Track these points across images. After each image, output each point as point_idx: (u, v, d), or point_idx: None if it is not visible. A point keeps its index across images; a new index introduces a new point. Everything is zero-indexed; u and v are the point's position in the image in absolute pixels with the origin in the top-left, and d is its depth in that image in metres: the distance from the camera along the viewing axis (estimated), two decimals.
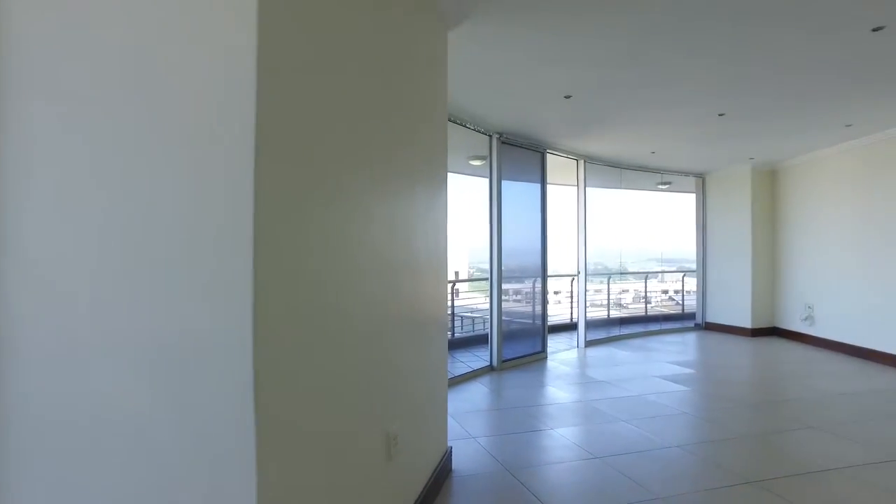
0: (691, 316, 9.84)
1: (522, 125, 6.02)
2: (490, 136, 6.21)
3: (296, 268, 1.39)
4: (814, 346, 7.47)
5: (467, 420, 4.33)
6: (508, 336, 6.49)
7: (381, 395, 2.01)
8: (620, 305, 11.12)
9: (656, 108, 5.37)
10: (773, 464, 3.41)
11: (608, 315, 9.94)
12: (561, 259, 9.05)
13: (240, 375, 1.17)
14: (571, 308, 9.90)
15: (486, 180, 6.30)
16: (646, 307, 10.61)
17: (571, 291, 9.86)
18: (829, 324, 7.33)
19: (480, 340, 7.08)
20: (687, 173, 9.22)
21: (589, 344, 7.75)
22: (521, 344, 6.75)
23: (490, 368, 6.20)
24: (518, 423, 4.26)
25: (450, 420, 4.20)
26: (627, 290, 11.67)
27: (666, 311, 10.81)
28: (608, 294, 9.91)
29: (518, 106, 5.34)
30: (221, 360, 1.19)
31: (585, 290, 7.73)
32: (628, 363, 6.58)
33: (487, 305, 6.34)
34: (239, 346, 1.17)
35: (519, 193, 6.82)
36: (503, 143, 6.31)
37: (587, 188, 7.80)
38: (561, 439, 3.87)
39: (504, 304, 6.47)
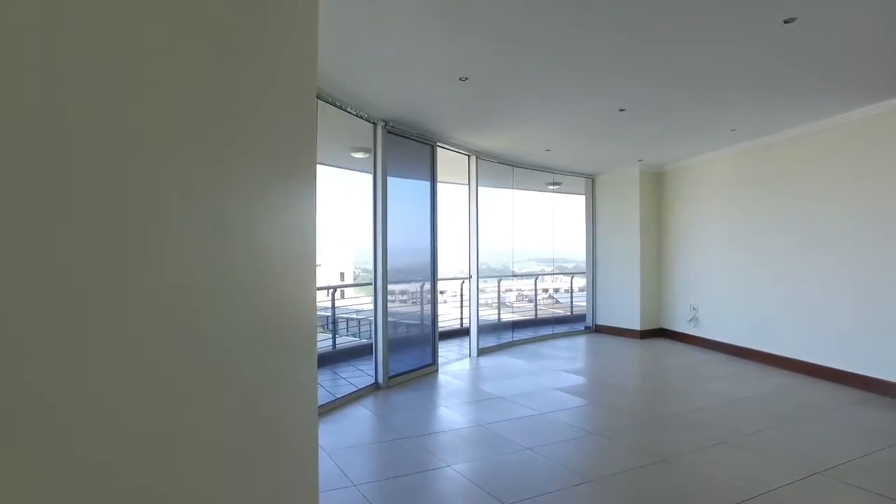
0: (581, 318, 9.74)
1: (412, 112, 5.35)
2: (375, 123, 5.47)
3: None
4: (699, 347, 7.53)
5: (347, 459, 3.55)
6: (396, 346, 5.78)
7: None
8: (510, 306, 10.85)
9: (557, 99, 4.94)
10: (705, 495, 2.99)
11: (499, 318, 9.60)
12: (452, 260, 8.56)
13: None
14: (462, 312, 9.41)
15: (371, 175, 5.56)
16: (536, 310, 10.41)
17: (462, 294, 9.38)
18: (712, 325, 7.42)
19: (366, 351, 6.29)
20: (578, 174, 9.07)
21: (482, 352, 7.25)
22: (411, 355, 6.06)
23: (375, 387, 5.45)
24: (409, 460, 3.55)
25: (325, 460, 3.40)
26: (519, 290, 11.45)
27: (557, 313, 10.68)
28: (499, 297, 9.56)
29: (408, 87, 4.65)
30: None
31: (478, 295, 7.22)
32: (524, 374, 6.13)
33: (373, 311, 5.58)
34: None
35: (407, 190, 6.15)
36: (390, 132, 5.60)
37: (479, 187, 7.30)
38: (460, 481, 3.22)
39: (392, 309, 5.76)
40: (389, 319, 5.68)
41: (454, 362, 6.82)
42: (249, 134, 1.32)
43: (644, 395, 5.29)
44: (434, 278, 6.32)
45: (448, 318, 10.98)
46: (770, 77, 4.39)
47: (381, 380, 5.46)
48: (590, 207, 9.34)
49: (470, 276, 7.26)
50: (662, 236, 8.49)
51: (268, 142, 1.51)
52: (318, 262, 1.93)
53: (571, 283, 10.74)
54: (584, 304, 10.30)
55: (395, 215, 5.74)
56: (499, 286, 9.60)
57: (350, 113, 5.04)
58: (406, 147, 5.95)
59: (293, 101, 1.63)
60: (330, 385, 5.54)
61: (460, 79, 4.40)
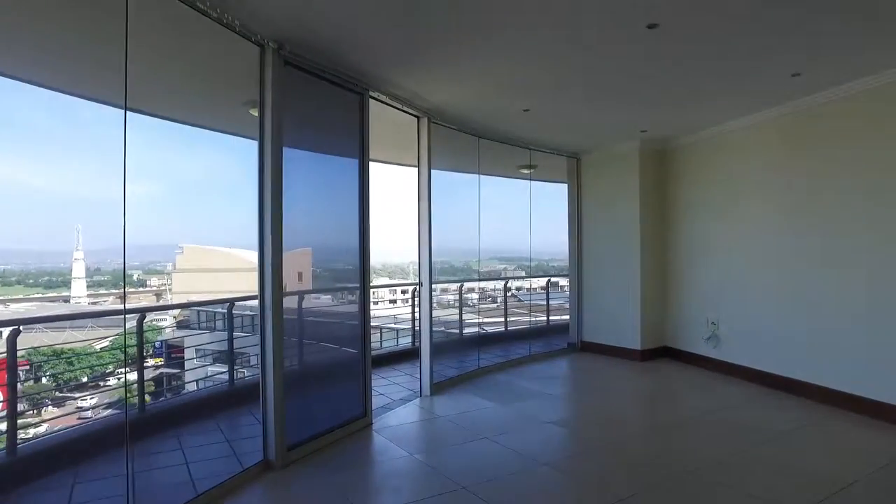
0: (562, 331, 7.88)
1: (326, 30, 3.33)
2: (263, 46, 3.42)
3: None
4: (719, 374, 5.73)
5: None
6: (300, 392, 3.75)
7: None
8: (472, 307, 8.90)
9: (549, 14, 3.00)
10: None
11: (460, 331, 7.67)
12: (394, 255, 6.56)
13: None
14: (413, 328, 7.41)
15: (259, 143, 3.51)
16: (506, 320, 8.50)
17: (413, 305, 7.38)
18: (739, 346, 5.64)
19: (249, 399, 4.20)
20: (560, 152, 7.18)
21: (437, 389, 5.26)
22: (326, 402, 4.04)
23: (265, 466, 3.42)
24: None
25: None
26: (483, 289, 9.53)
27: (536, 321, 8.81)
28: (461, 306, 7.61)
29: None
30: None
31: (431, 308, 5.23)
32: (495, 431, 4.16)
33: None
34: None
35: (320, 166, 4.14)
36: (289, 63, 3.56)
37: (432, 169, 5.31)
38: None
39: (295, 328, 3.74)
40: (294, 345, 3.66)
41: (398, 406, 4.81)
42: None
43: (681, 480, 3.39)
44: (364, 288, 4.30)
45: (398, 326, 9.02)
46: None
47: (273, 454, 3.41)
48: (574, 195, 7.47)
49: (420, 283, 5.27)
50: (669, 230, 6.67)
51: None
52: None
53: (547, 287, 8.86)
54: (560, 312, 8.52)
55: (301, 200, 3.75)
56: (461, 291, 7.65)
57: (211, 18, 2.98)
58: (319, 93, 3.93)
59: None
60: (193, 466, 3.48)
61: None
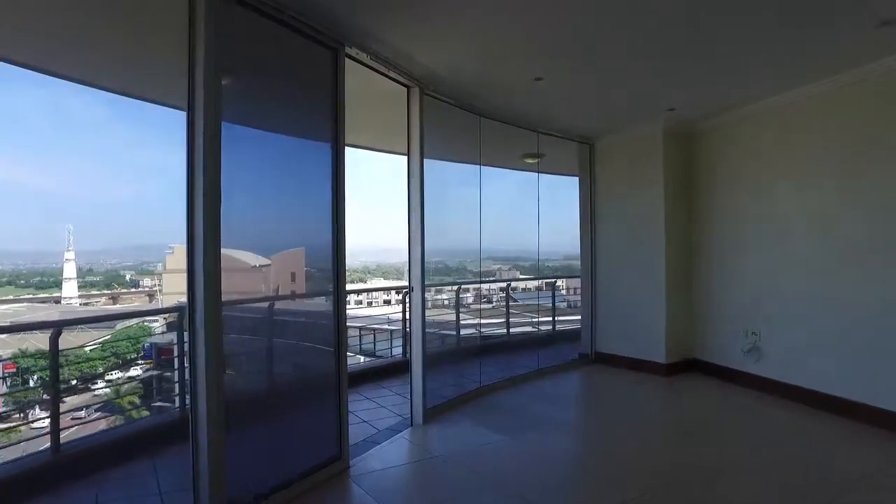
0: (570, 337, 7.01)
1: None
2: None
3: None
4: (762, 393, 4.86)
5: None
6: (250, 429, 2.86)
7: None
8: (467, 307, 8.02)
9: None
10: None
11: (457, 340, 6.82)
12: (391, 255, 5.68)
13: None
14: (405, 336, 6.51)
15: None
16: (508, 326, 7.63)
17: (404, 312, 6.48)
18: (786, 360, 4.78)
19: (177, 437, 3.28)
20: (571, 137, 6.30)
21: (432, 415, 4.36)
22: (287, 441, 3.14)
23: None
24: None
25: None
26: (482, 290, 8.64)
27: (542, 324, 7.95)
28: (457, 312, 6.74)
29: None
30: None
31: (424, 319, 4.34)
32: (510, 482, 3.27)
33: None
34: None
35: (277, 148, 3.24)
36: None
37: (426, 158, 4.42)
38: None
39: (246, 351, 2.85)
40: (245, 367, 2.78)
41: (384, 440, 3.90)
42: None
43: None
44: (338, 295, 3.39)
45: (391, 327, 8.11)
46: None
47: None
48: (586, 187, 6.59)
49: (411, 289, 4.37)
50: (699, 226, 5.80)
51: None
52: None
53: (553, 291, 7.97)
54: (564, 314, 7.71)
55: (249, 193, 2.88)
56: (458, 294, 6.78)
57: None
58: (276, 46, 3.03)
59: None
60: None
61: None
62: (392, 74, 3.95)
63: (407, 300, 5.00)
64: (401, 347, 6.98)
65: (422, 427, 4.18)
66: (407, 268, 4.60)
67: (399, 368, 5.89)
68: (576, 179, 6.72)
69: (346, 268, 3.43)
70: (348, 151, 3.64)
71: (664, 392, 5.23)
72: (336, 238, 3.34)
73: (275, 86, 3.12)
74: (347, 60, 3.45)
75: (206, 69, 2.45)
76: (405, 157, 4.42)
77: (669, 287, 5.67)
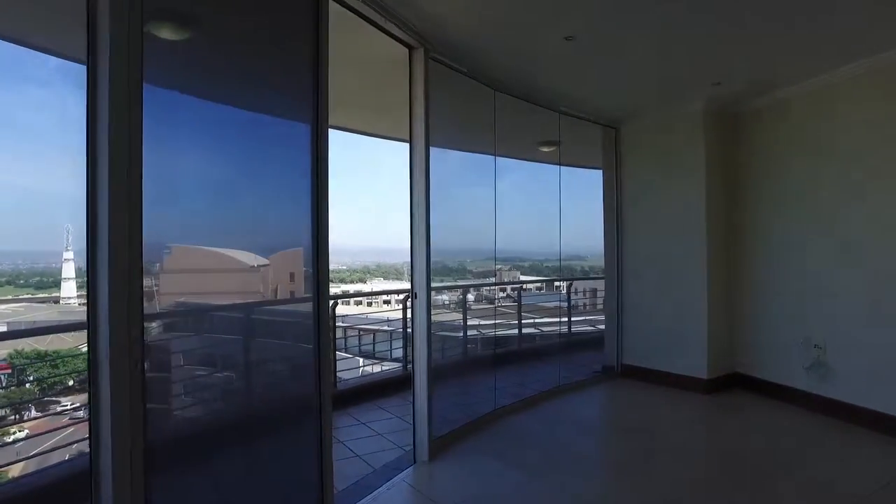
0: (590, 345, 6.23)
1: None
2: None
3: None
4: (826, 416, 4.11)
5: None
6: (197, 473, 2.10)
7: None
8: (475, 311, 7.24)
9: None
10: None
11: (464, 344, 6.11)
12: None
13: None
14: (405, 342, 5.73)
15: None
16: (519, 333, 6.86)
17: (405, 320, 5.71)
18: (858, 379, 4.01)
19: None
20: (595, 119, 5.53)
21: (439, 445, 3.59)
22: (251, 492, 2.36)
23: None
24: None
25: None
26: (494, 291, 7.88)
27: (552, 328, 7.17)
28: (465, 317, 6.00)
29: None
30: None
31: (429, 332, 3.57)
32: None
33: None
34: None
35: (235, 125, 2.44)
36: None
37: (430, 146, 3.65)
38: None
39: (185, 377, 2.12)
40: (189, 401, 2.05)
41: (381, 485, 3.11)
42: None
43: None
44: (319, 305, 2.61)
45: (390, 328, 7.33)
46: None
47: None
48: (611, 177, 5.82)
49: (414, 294, 3.59)
50: (744, 218, 5.03)
51: None
52: None
53: (569, 292, 7.19)
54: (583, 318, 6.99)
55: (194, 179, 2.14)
56: (464, 299, 6.05)
57: None
58: None
59: None
60: None
61: None
62: (391, 29, 3.18)
63: (409, 306, 4.23)
64: (401, 349, 6.20)
65: (427, 465, 3.41)
66: (406, 268, 3.84)
67: (399, 383, 5.13)
68: (592, 172, 5.97)
69: (346, 268, 2.68)
70: (339, 135, 2.91)
71: (712, 414, 4.47)
72: (317, 240, 2.57)
73: (229, 39, 2.35)
74: (333, 5, 2.68)
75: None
76: (406, 146, 3.67)
77: (712, 289, 4.91)
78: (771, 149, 4.77)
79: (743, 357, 5.02)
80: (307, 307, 2.59)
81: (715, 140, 4.99)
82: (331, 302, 5.29)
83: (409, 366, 4.23)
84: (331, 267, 2.66)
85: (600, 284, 6.22)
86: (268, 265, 2.51)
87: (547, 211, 5.49)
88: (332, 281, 2.70)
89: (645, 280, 5.48)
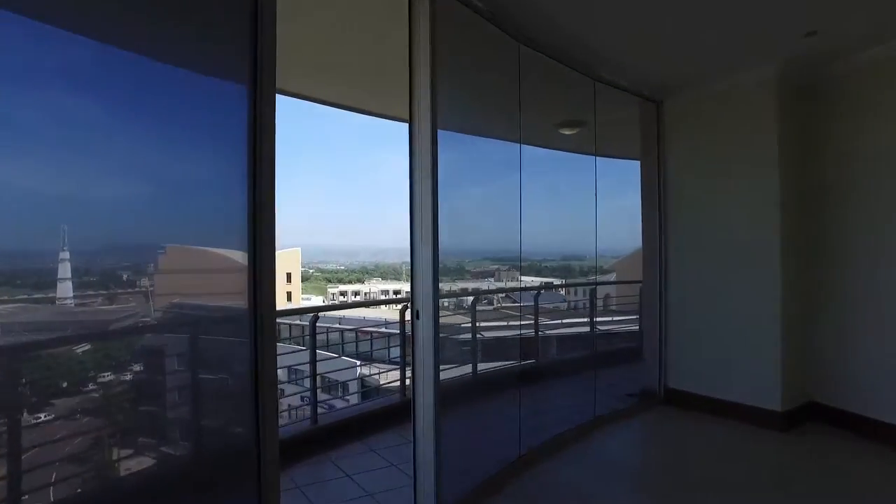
0: (620, 358, 5.25)
1: None
2: None
3: None
4: None
5: None
6: None
7: None
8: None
9: None
10: None
11: (474, 363, 5.11)
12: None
13: None
14: (403, 369, 4.74)
15: None
16: (538, 345, 5.86)
17: (402, 330, 4.72)
18: None
19: None
20: (636, 90, 4.55)
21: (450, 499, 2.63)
22: None
23: None
24: None
25: None
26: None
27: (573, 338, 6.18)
28: (474, 329, 5.00)
29: None
30: None
31: (437, 367, 2.59)
32: None
33: None
34: None
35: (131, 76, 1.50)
36: None
37: (437, 128, 2.66)
38: None
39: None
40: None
41: None
42: None
43: None
44: (260, 329, 1.64)
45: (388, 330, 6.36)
46: None
47: None
48: (652, 162, 4.83)
49: (416, 313, 2.61)
50: (829, 215, 4.05)
51: None
52: None
53: (592, 298, 6.17)
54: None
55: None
56: (474, 307, 5.05)
57: None
58: None
59: None
60: None
61: None
62: None
63: (408, 323, 3.24)
64: (398, 349, 5.19)
65: None
66: (406, 268, 2.86)
67: (395, 414, 4.15)
68: (621, 162, 5.02)
69: (344, 268, 1.78)
70: (323, 111, 2.08)
71: (801, 462, 3.46)
72: (255, 244, 1.61)
73: None
74: None
75: None
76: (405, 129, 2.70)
77: (786, 299, 3.92)
78: (867, 127, 3.78)
79: (823, 384, 4.04)
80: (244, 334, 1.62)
81: (792, 117, 4.01)
82: (310, 315, 4.30)
83: (407, 393, 3.25)
84: (329, 267, 1.78)
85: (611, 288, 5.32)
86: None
87: (576, 207, 4.50)
88: (330, 281, 1.78)
89: (696, 286, 4.50)
